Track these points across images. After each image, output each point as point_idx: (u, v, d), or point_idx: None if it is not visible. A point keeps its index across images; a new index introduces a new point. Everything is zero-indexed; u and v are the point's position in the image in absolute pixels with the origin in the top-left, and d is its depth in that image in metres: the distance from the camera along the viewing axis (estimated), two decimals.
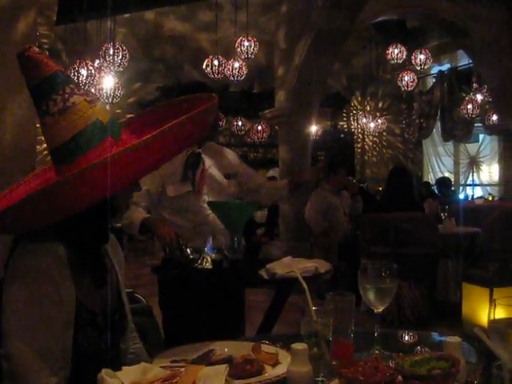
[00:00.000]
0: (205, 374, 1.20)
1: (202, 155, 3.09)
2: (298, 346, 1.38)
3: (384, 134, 13.86)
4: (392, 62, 9.09)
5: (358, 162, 14.28)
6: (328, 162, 7.16)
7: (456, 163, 13.10)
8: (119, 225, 3.07)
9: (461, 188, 12.87)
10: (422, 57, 8.84)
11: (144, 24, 12.03)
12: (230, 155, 3.32)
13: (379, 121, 12.69)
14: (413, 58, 8.90)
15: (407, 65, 9.65)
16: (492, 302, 1.17)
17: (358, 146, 14.47)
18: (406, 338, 1.99)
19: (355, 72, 13.55)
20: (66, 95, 1.46)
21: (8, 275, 1.46)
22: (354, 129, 14.52)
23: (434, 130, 12.90)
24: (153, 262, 7.16)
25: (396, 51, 8.96)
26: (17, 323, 1.42)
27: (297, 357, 1.37)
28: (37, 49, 1.50)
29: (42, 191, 1.35)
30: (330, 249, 6.41)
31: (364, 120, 12.93)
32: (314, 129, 11.82)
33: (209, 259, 2.66)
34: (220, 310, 2.86)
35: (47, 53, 10.86)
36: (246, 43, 7.90)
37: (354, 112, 14.46)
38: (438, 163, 13.37)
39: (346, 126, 14.67)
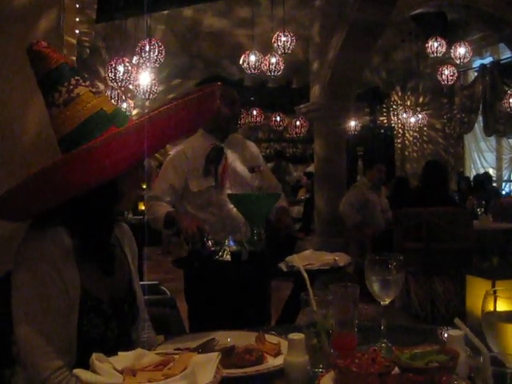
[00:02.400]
0: (196, 360, 1.21)
1: (225, 149, 3.09)
2: (295, 336, 1.38)
3: (425, 129, 13.64)
4: (432, 55, 8.94)
5: (399, 158, 14.11)
6: (366, 157, 7.13)
7: (498, 158, 12.77)
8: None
9: (503, 184, 12.55)
10: (462, 50, 8.69)
11: (182, 21, 12.13)
12: (253, 148, 3.31)
13: (420, 116, 12.52)
14: (452, 51, 8.75)
15: (448, 58, 9.48)
16: (486, 294, 1.15)
17: (399, 141, 14.30)
18: (417, 331, 1.96)
19: (395, 66, 13.37)
20: (71, 86, 1.50)
21: (15, 261, 1.51)
22: (394, 124, 14.35)
23: (476, 125, 12.62)
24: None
25: (436, 44, 8.81)
26: (22, 307, 1.46)
27: (293, 347, 1.37)
28: (44, 43, 1.54)
29: (34, 175, 1.38)
30: (364, 244, 6.37)
31: (404, 115, 12.77)
32: (352, 124, 11.78)
33: (228, 251, 2.67)
34: (242, 302, 2.87)
35: (88, 50, 11.07)
36: (283, 38, 7.90)
37: (394, 107, 14.29)
38: (480, 159, 13.06)
39: (385, 121, 14.51)
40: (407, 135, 14.19)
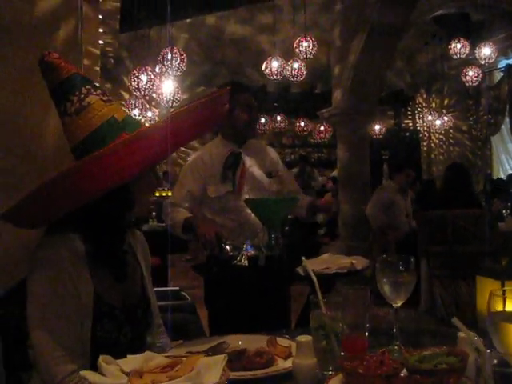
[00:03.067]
0: (203, 363, 1.22)
1: (243, 155, 3.10)
2: (303, 338, 1.38)
3: (451, 131, 13.53)
4: (455, 57, 8.86)
5: (425, 161, 13.99)
6: (393, 160, 7.12)
7: None
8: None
9: None
10: (487, 51, 8.57)
11: (205, 28, 12.21)
12: (272, 153, 3.32)
13: (445, 118, 12.41)
14: (476, 52, 8.65)
15: (473, 59, 9.39)
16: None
17: (424, 144, 14.19)
18: (436, 335, 1.94)
19: (419, 69, 13.27)
20: (82, 95, 1.53)
21: (29, 267, 1.54)
22: (420, 127, 14.24)
23: (503, 126, 12.45)
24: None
25: (459, 46, 8.73)
26: (36, 313, 1.50)
27: (301, 349, 1.37)
28: (55, 54, 1.58)
29: (47, 183, 1.40)
30: (388, 248, 6.34)
31: (429, 118, 12.67)
32: (376, 127, 11.71)
33: (246, 256, 2.68)
34: (261, 307, 2.87)
35: (112, 60, 11.22)
36: (305, 43, 7.90)
37: (419, 110, 14.18)
38: (508, 160, 12.86)
39: (411, 124, 14.41)
40: (433, 138, 14.07)
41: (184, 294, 3.37)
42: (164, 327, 1.98)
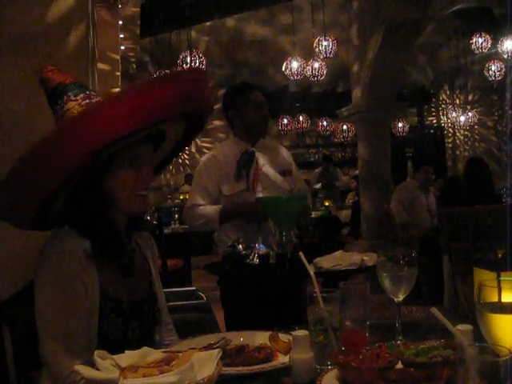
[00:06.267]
0: (197, 357, 1.24)
1: (256, 153, 3.11)
2: (299, 332, 1.39)
3: (476, 127, 13.40)
4: (477, 51, 8.80)
5: (450, 157, 13.87)
6: (417, 158, 7.10)
7: None
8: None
9: None
10: (509, 44, 8.48)
11: (226, 31, 12.28)
12: (285, 152, 3.33)
13: (470, 114, 12.29)
14: (499, 46, 8.57)
15: (495, 53, 9.29)
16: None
17: (449, 140, 14.06)
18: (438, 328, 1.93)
19: (442, 65, 13.16)
20: (62, 104, 1.60)
21: (37, 264, 1.58)
22: (444, 123, 14.12)
23: None
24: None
25: (480, 40, 8.68)
26: (43, 308, 1.54)
27: (298, 344, 1.38)
28: (50, 67, 1.67)
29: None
30: (410, 244, 6.30)
31: (453, 114, 12.55)
32: (399, 125, 11.64)
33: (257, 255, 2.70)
34: (275, 305, 2.88)
35: (134, 65, 11.31)
36: (325, 43, 7.91)
37: (443, 106, 14.05)
38: None
39: (435, 121, 14.29)
40: (458, 134, 13.95)
41: (200, 293, 3.39)
42: (173, 325, 2.00)
